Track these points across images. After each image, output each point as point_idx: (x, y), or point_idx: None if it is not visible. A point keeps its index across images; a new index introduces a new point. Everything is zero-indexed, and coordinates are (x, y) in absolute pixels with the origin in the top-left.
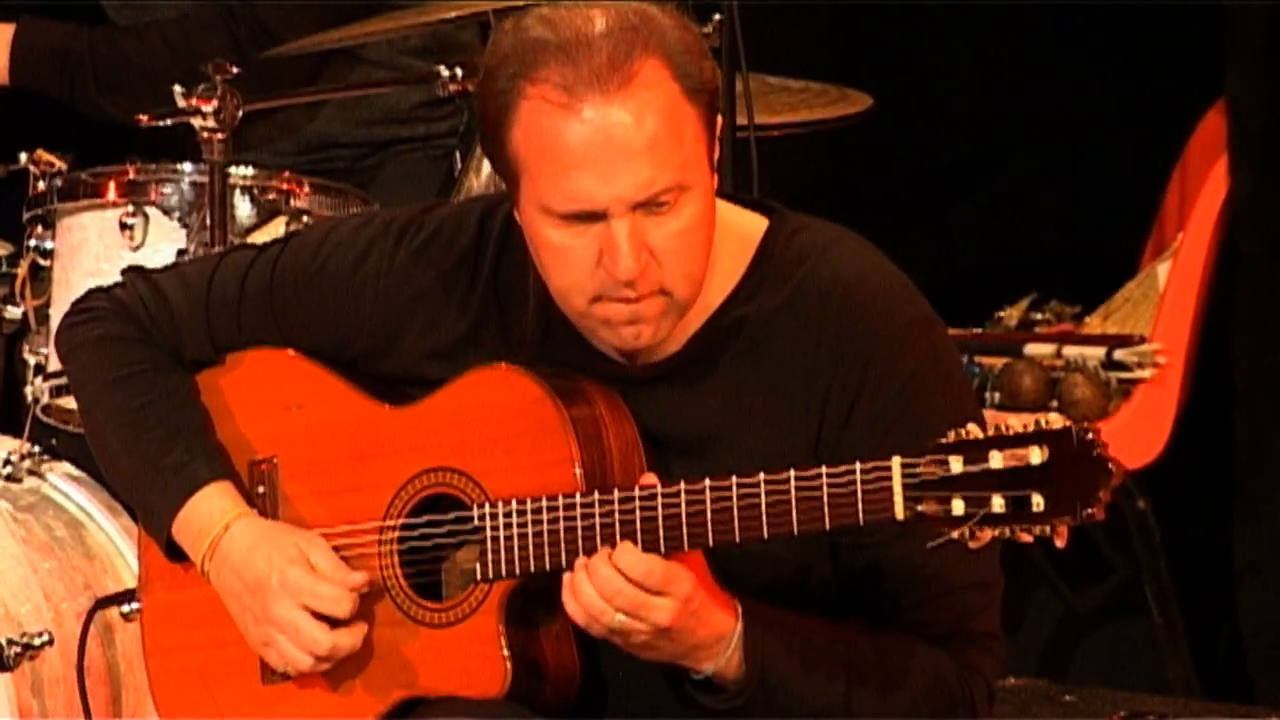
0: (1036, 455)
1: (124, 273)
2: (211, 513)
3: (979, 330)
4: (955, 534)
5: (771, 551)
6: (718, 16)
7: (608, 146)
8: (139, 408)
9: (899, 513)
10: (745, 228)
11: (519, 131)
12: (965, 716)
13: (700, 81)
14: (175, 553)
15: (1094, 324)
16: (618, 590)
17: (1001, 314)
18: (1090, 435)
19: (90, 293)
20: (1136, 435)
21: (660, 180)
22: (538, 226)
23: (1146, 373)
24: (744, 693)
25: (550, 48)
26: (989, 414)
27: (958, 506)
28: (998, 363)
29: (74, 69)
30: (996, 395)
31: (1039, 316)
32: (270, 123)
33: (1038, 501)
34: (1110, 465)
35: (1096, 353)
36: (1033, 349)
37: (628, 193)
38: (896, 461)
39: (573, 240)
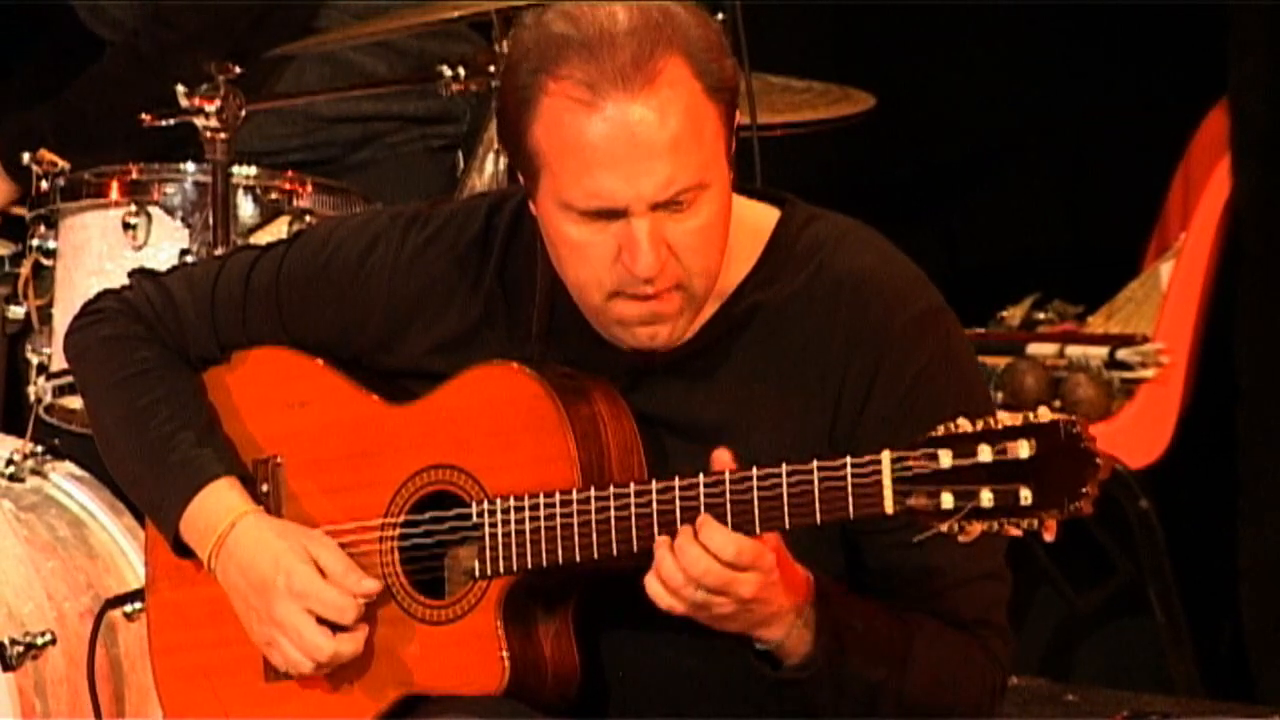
0: (1025, 449)
1: (130, 274)
2: (218, 509)
3: (982, 330)
4: (944, 527)
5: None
6: (721, 16)
7: (630, 145)
8: (146, 406)
9: (888, 507)
10: (758, 218)
11: (540, 127)
12: (990, 705)
13: (721, 80)
14: (183, 549)
15: (1097, 324)
16: (707, 570)
17: (1004, 314)
18: (1077, 429)
19: (98, 295)
20: (1139, 435)
21: (680, 180)
22: (556, 222)
23: (1149, 372)
24: (812, 664)
25: (573, 44)
26: None
27: (947, 500)
28: (1000, 362)
29: (40, 142)
30: (999, 395)
31: (1042, 316)
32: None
33: (1025, 495)
34: (1097, 459)
35: (1099, 352)
36: (1035, 349)
37: (648, 192)
38: (886, 455)
39: (592, 236)
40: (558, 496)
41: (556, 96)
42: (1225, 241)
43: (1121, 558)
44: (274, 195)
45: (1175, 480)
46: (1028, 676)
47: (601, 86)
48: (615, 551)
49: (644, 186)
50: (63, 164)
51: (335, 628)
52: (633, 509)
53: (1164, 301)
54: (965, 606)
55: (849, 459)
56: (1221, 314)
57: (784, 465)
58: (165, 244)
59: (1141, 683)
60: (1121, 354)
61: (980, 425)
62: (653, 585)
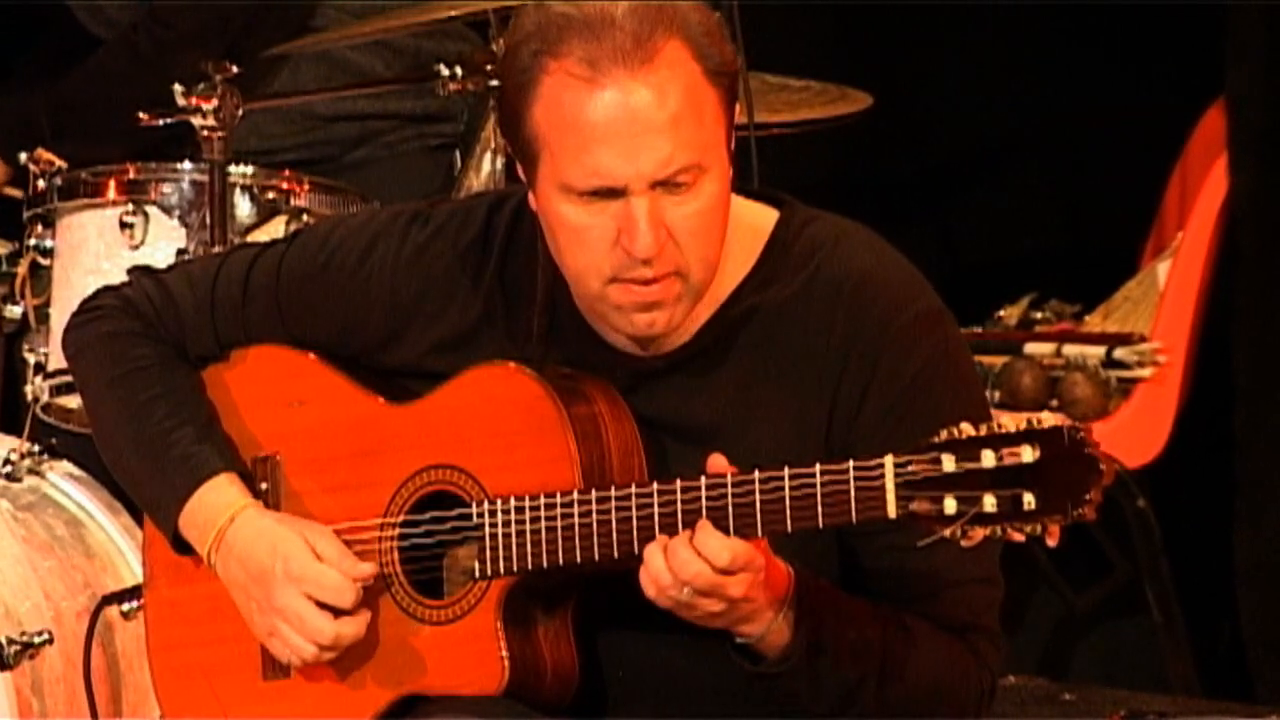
0: (1028, 454)
1: (130, 272)
2: (217, 504)
3: (979, 329)
4: (947, 532)
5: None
6: (718, 15)
7: (630, 122)
8: (145, 402)
9: (891, 511)
10: (756, 219)
11: (540, 107)
12: (976, 708)
13: (720, 64)
14: (182, 546)
15: (1094, 323)
16: (697, 574)
17: (1001, 313)
18: (1081, 434)
19: (97, 292)
20: (1136, 434)
21: (680, 158)
22: (556, 206)
23: (1146, 371)
24: (790, 657)
25: (574, 24)
26: None
27: (950, 505)
28: (998, 361)
29: (35, 128)
30: (996, 394)
31: (1039, 315)
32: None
33: (1029, 500)
34: (1101, 465)
35: (1096, 351)
36: (1033, 348)
37: (648, 169)
38: (889, 460)
39: (591, 219)
40: (558, 497)
41: (557, 75)
42: (1222, 241)
43: (1119, 557)
44: (271, 194)
45: (1172, 479)
46: (1025, 676)
47: (602, 64)
48: (616, 553)
49: (643, 163)
50: (60, 163)
51: (335, 613)
52: (634, 511)
53: (1161, 301)
54: (957, 609)
55: (851, 463)
56: (1218, 313)
57: (786, 469)
58: (162, 243)
59: (1139, 682)
60: (1119, 353)
61: (984, 430)
62: (642, 578)
